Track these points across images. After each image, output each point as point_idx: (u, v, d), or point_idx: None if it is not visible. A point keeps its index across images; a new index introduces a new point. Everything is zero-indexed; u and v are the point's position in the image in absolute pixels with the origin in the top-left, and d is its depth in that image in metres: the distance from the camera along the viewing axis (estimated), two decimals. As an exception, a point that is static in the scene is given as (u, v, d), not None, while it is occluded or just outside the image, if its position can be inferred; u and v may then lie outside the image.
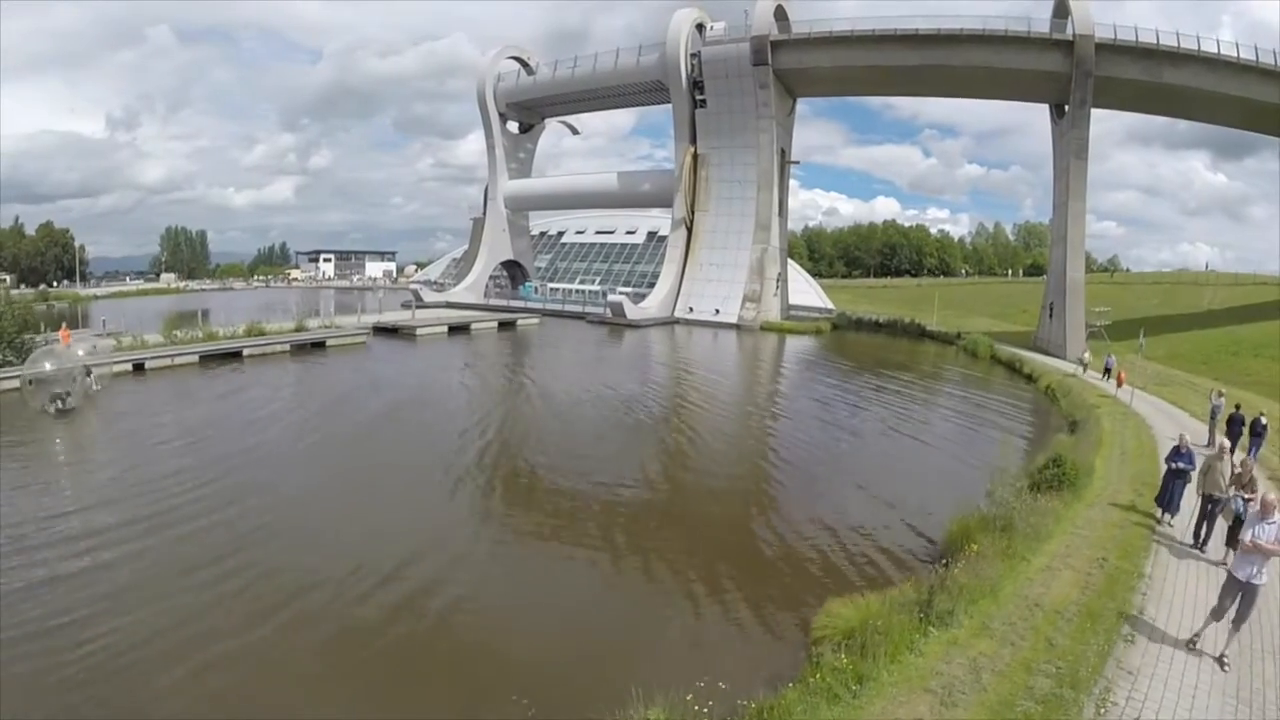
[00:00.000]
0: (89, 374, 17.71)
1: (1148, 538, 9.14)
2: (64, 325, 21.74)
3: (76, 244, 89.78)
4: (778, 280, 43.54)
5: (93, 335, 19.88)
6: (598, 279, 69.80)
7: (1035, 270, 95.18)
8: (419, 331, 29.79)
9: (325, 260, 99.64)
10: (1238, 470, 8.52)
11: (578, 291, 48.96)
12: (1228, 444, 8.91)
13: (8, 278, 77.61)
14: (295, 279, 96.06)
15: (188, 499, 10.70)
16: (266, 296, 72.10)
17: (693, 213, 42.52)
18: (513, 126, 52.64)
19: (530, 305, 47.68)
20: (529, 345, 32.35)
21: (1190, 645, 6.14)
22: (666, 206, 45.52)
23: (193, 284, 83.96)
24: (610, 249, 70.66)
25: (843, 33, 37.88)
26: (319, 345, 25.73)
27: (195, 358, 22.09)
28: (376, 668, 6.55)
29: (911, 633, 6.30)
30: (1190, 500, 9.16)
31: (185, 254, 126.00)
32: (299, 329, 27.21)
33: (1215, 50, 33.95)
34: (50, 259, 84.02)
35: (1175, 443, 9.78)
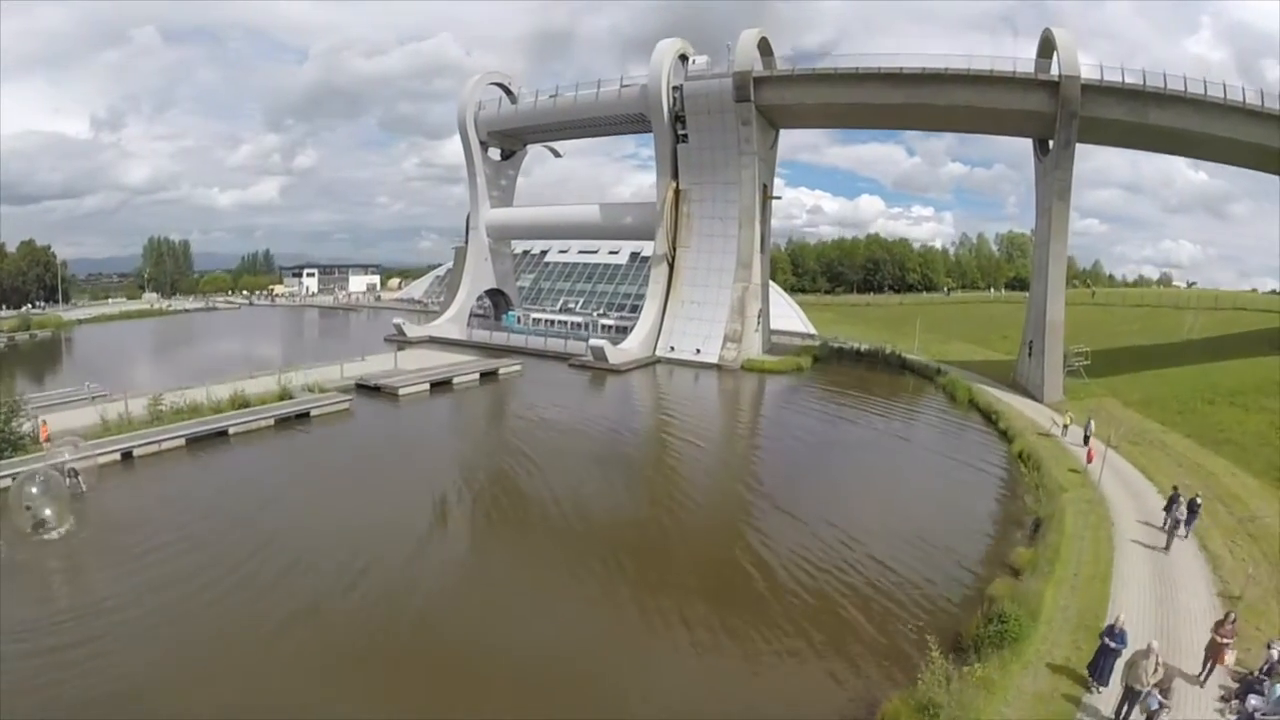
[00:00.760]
0: (75, 475, 17.49)
1: (1073, 714, 9.61)
2: (43, 422, 21.15)
3: (59, 261, 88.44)
4: (759, 317, 43.21)
5: (70, 441, 19.10)
6: (580, 300, 69.44)
7: (1018, 283, 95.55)
8: (401, 392, 29.59)
9: (309, 275, 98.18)
10: (1160, 675, 8.99)
11: (560, 323, 48.07)
12: (1156, 645, 9.27)
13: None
14: (279, 294, 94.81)
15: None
16: (250, 318, 71.15)
17: (674, 249, 42.10)
18: (494, 153, 52.03)
19: (513, 339, 47.37)
20: (509, 402, 31.91)
21: None
22: (648, 239, 45.02)
23: (175, 303, 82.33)
24: (593, 269, 70.25)
25: (826, 70, 37.63)
26: (304, 415, 25.43)
27: (183, 441, 21.96)
28: None
29: None
30: (1120, 674, 9.57)
31: (169, 265, 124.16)
32: (283, 395, 26.93)
33: (1202, 91, 33.56)
34: (32, 278, 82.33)
35: (1112, 622, 10.35)
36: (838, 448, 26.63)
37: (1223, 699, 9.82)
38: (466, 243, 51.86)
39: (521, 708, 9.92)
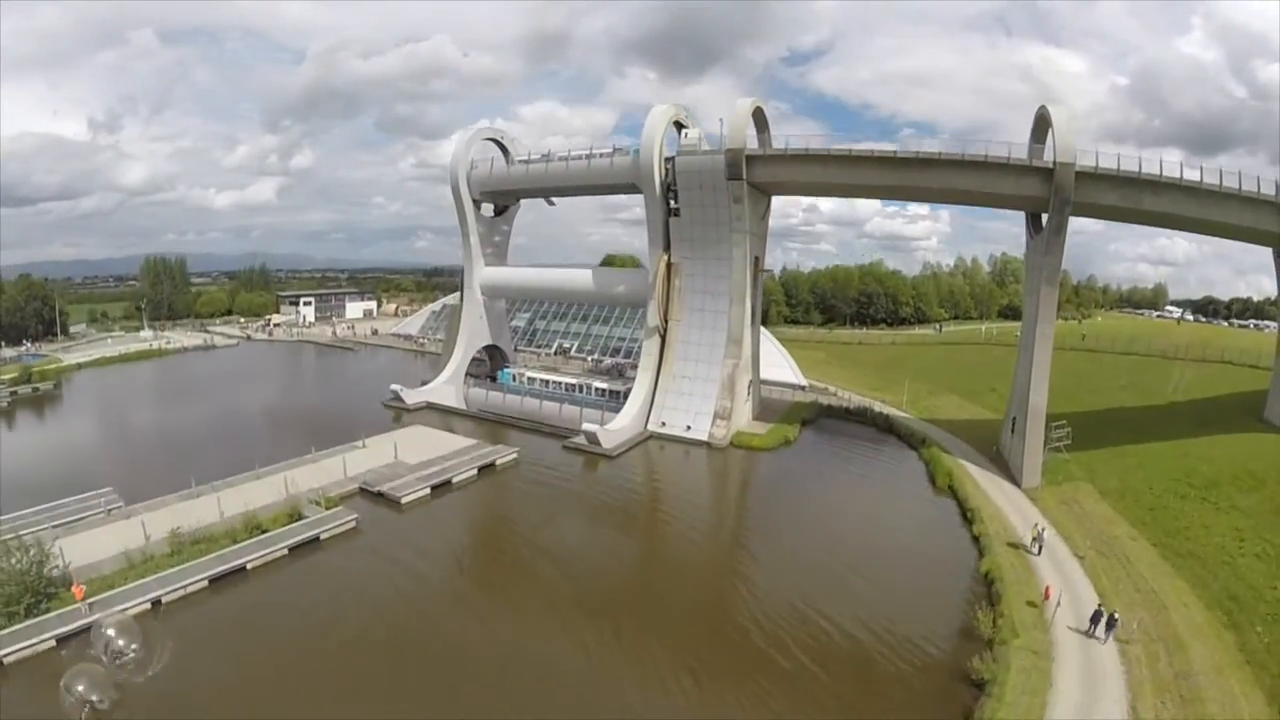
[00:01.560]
0: (123, 653, 18.97)
1: None
2: (76, 583, 22.29)
3: (55, 293, 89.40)
4: (750, 387, 44.39)
5: (114, 617, 20.78)
6: (575, 343, 70.61)
7: (1010, 311, 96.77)
8: (403, 500, 31.06)
9: (305, 304, 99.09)
10: None
11: (554, 384, 49.19)
12: None
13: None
14: (276, 324, 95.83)
15: None
16: (247, 360, 72.22)
17: (666, 321, 43.12)
18: (487, 208, 52.62)
19: (508, 400, 48.79)
20: (509, 503, 33.13)
21: None
22: (640, 306, 46.06)
23: (173, 336, 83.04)
24: (588, 310, 71.41)
25: (819, 151, 38.58)
26: (314, 539, 27.10)
27: (205, 582, 23.58)
28: None
29: None
30: None
31: (166, 288, 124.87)
32: (292, 514, 28.63)
33: (1198, 179, 34.20)
34: (30, 313, 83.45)
35: None
36: (805, 560, 27.77)
37: None
38: (461, 301, 52.78)
39: None
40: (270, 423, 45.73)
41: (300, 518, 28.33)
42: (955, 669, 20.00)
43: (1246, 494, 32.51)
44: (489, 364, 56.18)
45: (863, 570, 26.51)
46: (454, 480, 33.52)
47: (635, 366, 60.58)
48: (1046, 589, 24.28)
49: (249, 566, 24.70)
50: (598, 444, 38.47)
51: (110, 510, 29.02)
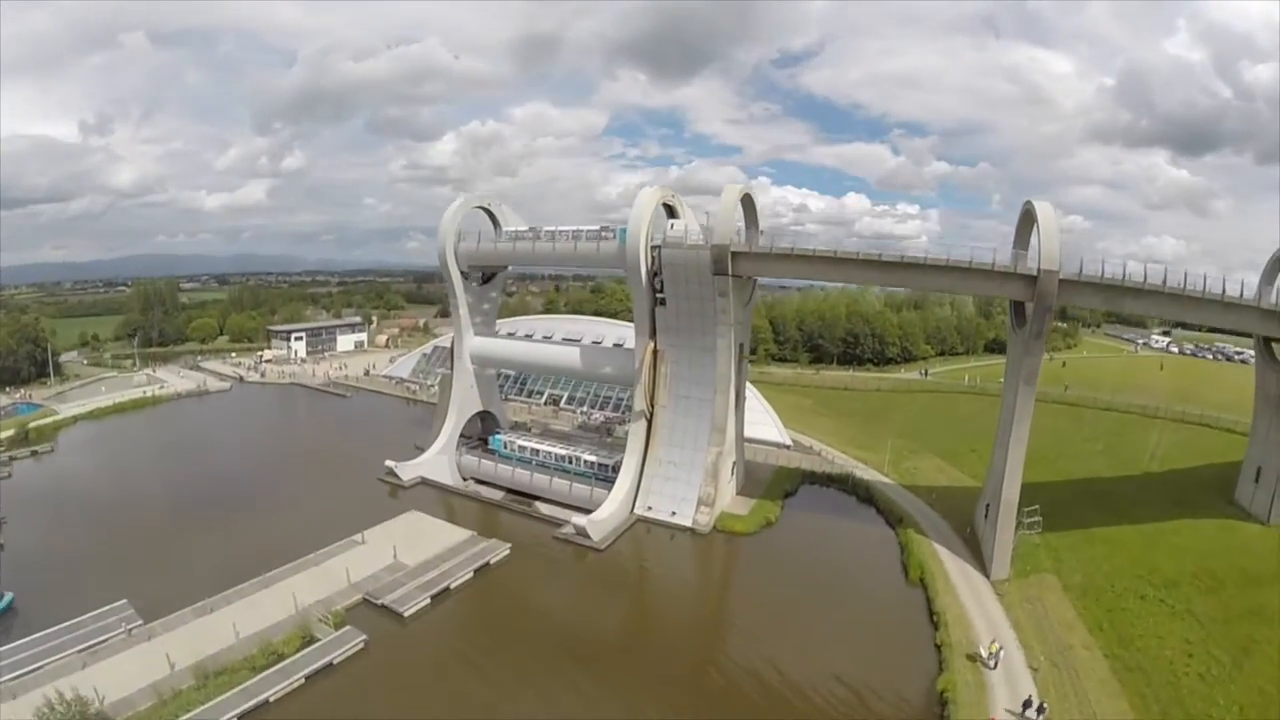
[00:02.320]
0: None
1: None
2: None
3: (48, 331, 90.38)
4: (733, 468, 46.36)
5: None
6: (566, 393, 72.24)
7: (996, 346, 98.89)
8: (406, 613, 33.23)
9: (296, 339, 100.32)
10: None
11: (545, 453, 50.96)
12: None
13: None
14: (269, 360, 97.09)
15: None
16: (240, 407, 73.54)
17: (652, 406, 44.81)
18: (475, 277, 53.91)
19: (499, 470, 50.97)
20: (505, 612, 34.96)
21: None
22: (627, 386, 47.85)
23: (168, 378, 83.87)
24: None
25: (804, 252, 40.27)
26: (329, 664, 29.24)
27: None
28: None
29: None
30: None
31: (156, 315, 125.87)
32: (305, 637, 30.70)
33: (1180, 285, 35.84)
34: (23, 355, 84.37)
35: None
36: (769, 676, 29.77)
37: None
38: (452, 371, 54.32)
39: None
40: (270, 498, 47.47)
41: (313, 639, 30.44)
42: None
43: (1205, 596, 34.83)
44: (481, 425, 57.84)
45: (821, 690, 28.59)
46: (452, 586, 35.55)
47: (623, 422, 62.70)
48: (992, 720, 26.48)
49: (271, 700, 26.70)
50: (587, 537, 40.34)
51: (130, 630, 30.74)
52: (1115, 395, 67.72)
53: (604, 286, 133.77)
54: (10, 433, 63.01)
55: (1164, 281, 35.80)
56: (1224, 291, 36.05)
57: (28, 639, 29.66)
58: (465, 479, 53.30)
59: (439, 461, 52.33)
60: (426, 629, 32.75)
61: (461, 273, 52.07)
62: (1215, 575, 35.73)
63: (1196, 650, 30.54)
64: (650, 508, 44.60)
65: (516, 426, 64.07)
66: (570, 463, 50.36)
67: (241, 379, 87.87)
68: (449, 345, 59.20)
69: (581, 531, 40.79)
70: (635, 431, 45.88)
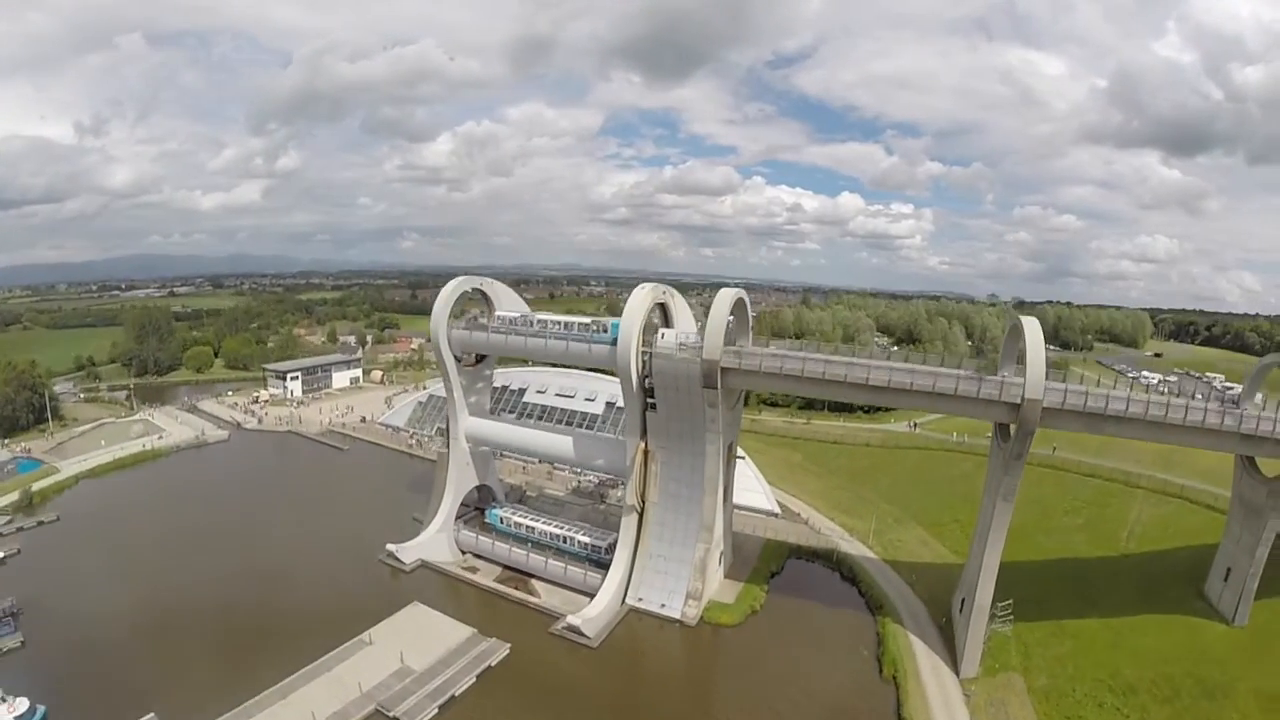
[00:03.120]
0: None
1: None
2: None
3: (45, 379, 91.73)
4: (720, 557, 48.52)
5: None
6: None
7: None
8: None
9: (293, 379, 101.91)
10: None
11: (541, 531, 53.07)
12: None
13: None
14: (265, 401, 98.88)
15: None
16: (239, 464, 75.22)
17: (643, 501, 46.76)
18: (467, 359, 55.51)
19: (497, 548, 53.59)
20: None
21: None
22: (617, 475, 49.63)
23: (165, 431, 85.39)
24: (571, 415, 74.85)
25: (793, 372, 41.76)
26: None
27: None
28: None
29: None
30: None
31: (152, 344, 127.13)
32: None
33: (1162, 414, 37.47)
34: (21, 403, 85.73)
35: None
36: None
37: None
38: (448, 450, 56.13)
39: None
40: (280, 582, 49.38)
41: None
42: None
43: (1161, 705, 37.13)
44: (478, 494, 59.81)
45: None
46: (457, 694, 37.89)
47: (616, 485, 64.74)
48: None
49: None
50: (581, 634, 42.50)
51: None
52: (1100, 456, 69.60)
53: (599, 317, 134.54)
54: (14, 497, 64.75)
55: (1146, 410, 37.24)
56: (1204, 419, 37.66)
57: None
58: (464, 552, 55.57)
59: (438, 540, 54.22)
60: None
61: (455, 357, 53.78)
62: (1173, 683, 37.87)
63: (1138, 772, 32.83)
64: (641, 599, 46.64)
65: (512, 491, 66.17)
66: (565, 542, 52.51)
67: (239, 425, 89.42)
68: (443, 394, 60.06)
69: (576, 630, 42.94)
70: (627, 524, 47.80)
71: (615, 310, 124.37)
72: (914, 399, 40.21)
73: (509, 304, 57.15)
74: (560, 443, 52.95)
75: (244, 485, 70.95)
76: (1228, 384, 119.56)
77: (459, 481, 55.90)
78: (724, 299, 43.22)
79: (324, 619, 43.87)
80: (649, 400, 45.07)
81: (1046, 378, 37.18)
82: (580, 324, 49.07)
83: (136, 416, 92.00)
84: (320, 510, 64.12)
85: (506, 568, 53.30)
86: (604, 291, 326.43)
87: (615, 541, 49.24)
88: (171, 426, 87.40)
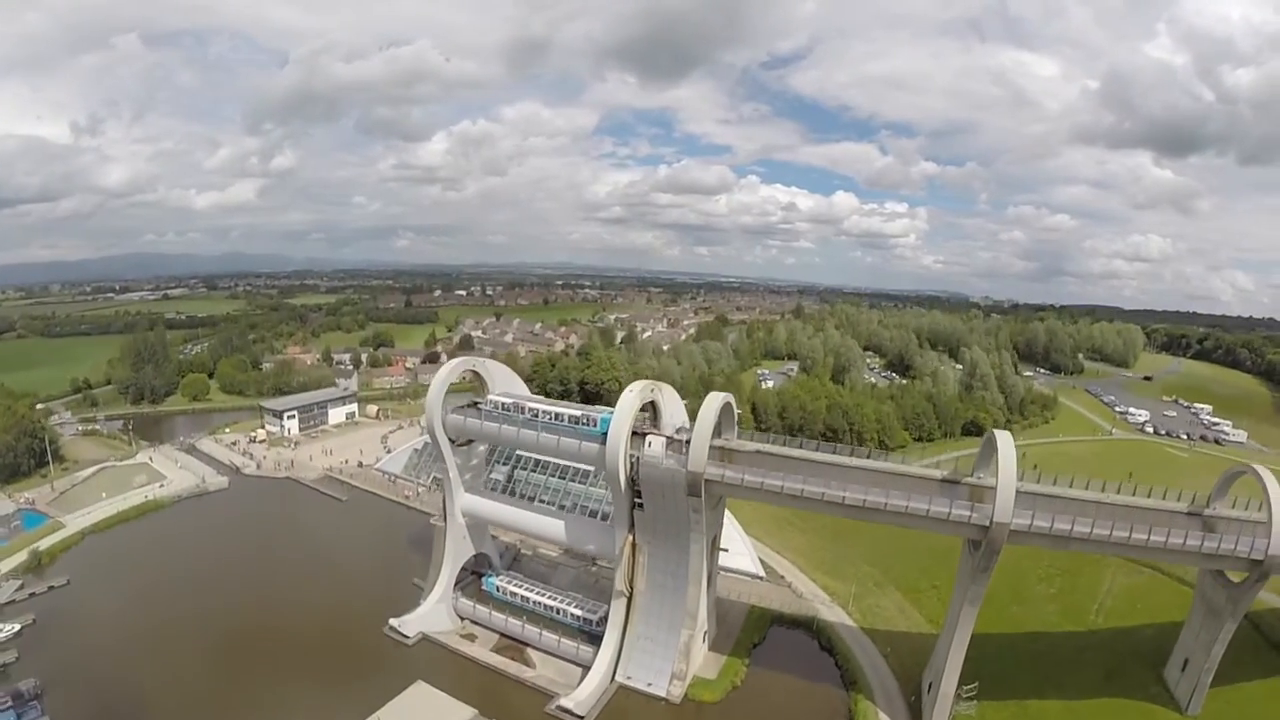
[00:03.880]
0: None
1: None
2: None
3: (47, 423, 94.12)
4: (705, 636, 51.77)
5: None
6: (555, 501, 76.95)
7: (973, 428, 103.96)
8: None
9: (289, 418, 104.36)
10: None
11: (535, 602, 56.31)
12: None
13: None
14: (261, 440, 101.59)
15: None
16: (241, 519, 77.71)
17: (631, 587, 49.86)
18: (462, 439, 58.12)
19: (494, 621, 57.16)
20: None
21: None
22: (607, 559, 52.69)
23: (166, 479, 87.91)
24: (565, 467, 76.95)
25: (773, 487, 44.73)
26: None
27: None
28: None
29: None
30: None
31: (149, 373, 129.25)
32: None
33: (1126, 536, 40.47)
34: (22, 449, 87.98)
35: None
36: None
37: None
38: (445, 524, 59.04)
39: None
40: (290, 658, 52.23)
41: None
42: None
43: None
44: (474, 559, 62.81)
45: None
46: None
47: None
48: None
49: None
50: (573, 714, 45.94)
51: None
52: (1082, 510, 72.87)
53: (592, 351, 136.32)
54: (23, 557, 67.33)
55: (1110, 533, 40.23)
56: (1167, 541, 40.36)
57: None
58: (462, 619, 58.81)
59: (438, 611, 57.59)
60: None
61: (450, 440, 56.52)
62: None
63: None
64: (629, 676, 49.99)
65: (507, 551, 69.00)
66: (557, 613, 55.91)
67: (238, 470, 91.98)
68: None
69: (568, 711, 46.26)
70: (616, 607, 50.92)
71: (603, 366, 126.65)
72: (888, 517, 42.94)
73: (504, 383, 59.85)
74: (552, 525, 55.89)
75: (246, 543, 72.94)
76: (1214, 419, 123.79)
77: (456, 554, 58.99)
78: (710, 408, 45.63)
79: (335, 698, 46.45)
80: (637, 500, 48.05)
81: (1021, 477, 40.31)
82: (571, 416, 51.70)
83: (137, 459, 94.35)
84: (323, 574, 66.35)
85: (504, 635, 56.79)
86: (598, 295, 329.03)
87: (606, 614, 52.58)
88: (172, 471, 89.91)
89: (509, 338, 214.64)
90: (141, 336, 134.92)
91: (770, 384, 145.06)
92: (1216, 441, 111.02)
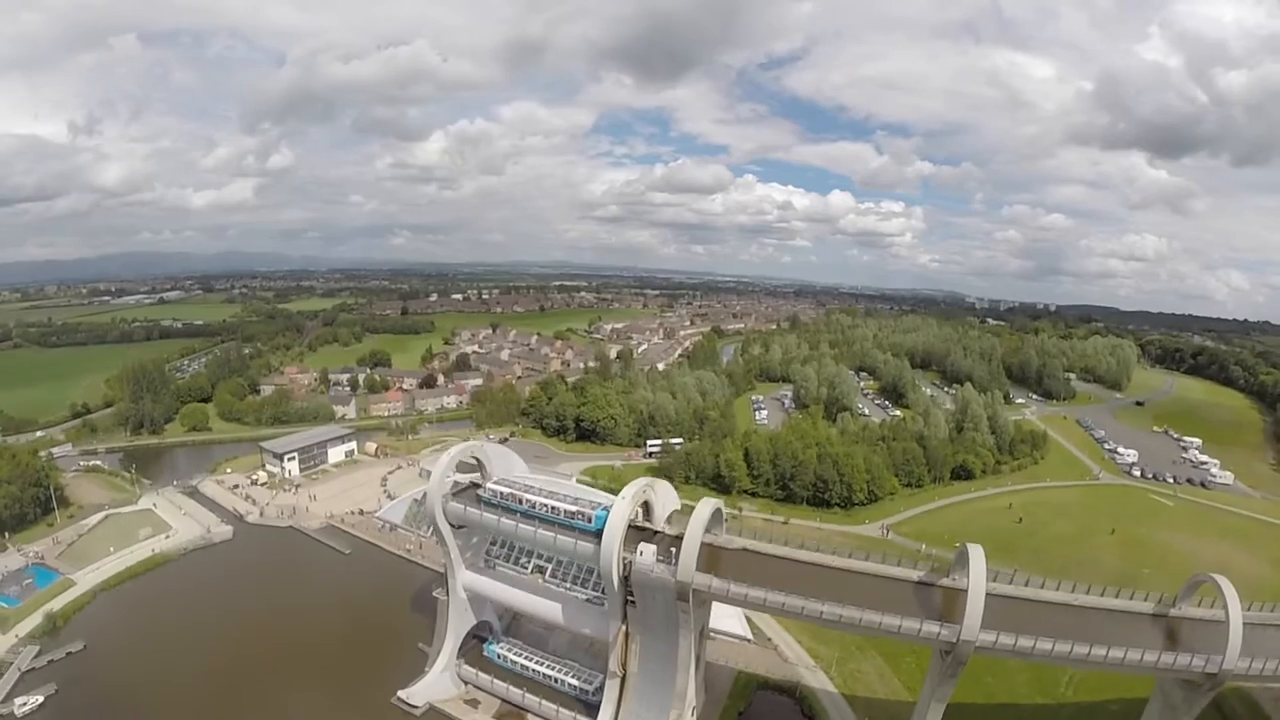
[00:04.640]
0: None
1: None
2: None
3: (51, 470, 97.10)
4: (693, 711, 55.56)
5: None
6: (550, 567, 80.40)
7: (963, 473, 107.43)
8: None
9: (289, 460, 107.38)
10: None
11: (534, 671, 60.20)
12: None
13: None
14: (262, 482, 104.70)
15: None
16: (247, 575, 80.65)
17: (624, 669, 53.49)
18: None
19: (496, 688, 61.31)
20: None
21: None
22: (603, 640, 56.24)
23: (171, 528, 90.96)
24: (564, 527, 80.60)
25: (756, 599, 47.91)
26: None
27: None
28: None
29: None
30: None
31: (147, 403, 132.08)
32: None
33: (1085, 653, 42.66)
34: (28, 499, 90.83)
35: None
36: None
37: None
38: (448, 599, 62.54)
39: None
40: None
41: None
42: None
43: None
44: (476, 625, 66.43)
45: None
46: None
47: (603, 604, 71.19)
48: None
49: None
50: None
51: None
52: (1062, 573, 76.07)
53: (588, 386, 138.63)
54: (38, 620, 70.51)
55: (1070, 651, 42.84)
56: (1124, 657, 42.83)
57: None
58: (465, 683, 62.68)
59: (442, 680, 61.75)
60: None
61: (450, 525, 59.83)
62: None
63: None
64: (623, 754, 53.89)
65: (505, 613, 72.39)
66: (555, 682, 59.85)
67: (241, 517, 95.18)
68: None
69: (571, 802, 50.27)
70: (610, 686, 54.74)
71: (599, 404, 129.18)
72: (864, 630, 46.39)
73: (503, 467, 62.95)
74: (550, 607, 59.29)
75: (254, 604, 75.40)
76: (1202, 456, 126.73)
77: (458, 625, 62.70)
78: (699, 519, 48.90)
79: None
80: (629, 597, 51.49)
81: (995, 579, 44.12)
82: (567, 512, 55.02)
83: (140, 505, 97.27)
84: (332, 636, 69.18)
85: (505, 701, 60.72)
86: (594, 300, 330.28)
87: (602, 684, 56.31)
88: (176, 519, 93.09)
89: (505, 354, 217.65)
90: (139, 365, 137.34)
91: (764, 414, 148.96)
92: (1203, 484, 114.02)
